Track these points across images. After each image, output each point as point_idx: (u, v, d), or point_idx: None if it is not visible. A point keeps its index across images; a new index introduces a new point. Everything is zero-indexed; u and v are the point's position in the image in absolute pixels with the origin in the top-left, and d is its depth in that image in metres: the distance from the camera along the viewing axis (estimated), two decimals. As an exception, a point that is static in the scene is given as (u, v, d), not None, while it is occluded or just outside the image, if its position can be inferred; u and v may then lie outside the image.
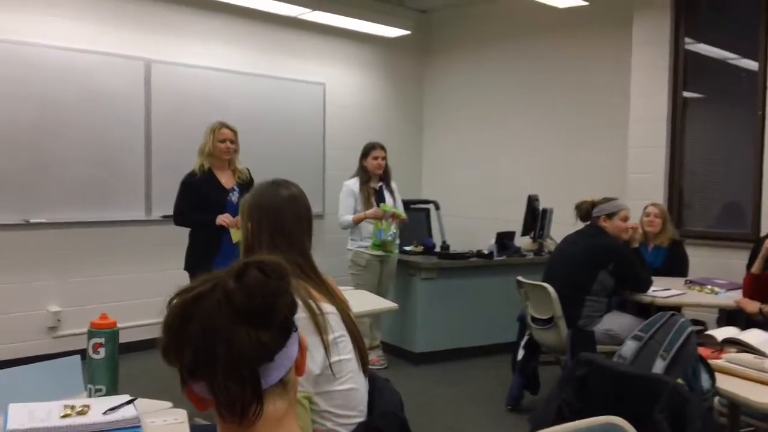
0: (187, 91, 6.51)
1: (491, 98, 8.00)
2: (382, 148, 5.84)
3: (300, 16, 7.01)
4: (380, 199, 5.81)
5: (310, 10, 6.83)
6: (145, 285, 6.17)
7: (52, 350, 5.38)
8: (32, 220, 5.66)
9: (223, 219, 4.70)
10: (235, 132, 4.90)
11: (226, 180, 4.89)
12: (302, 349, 1.11)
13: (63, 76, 5.79)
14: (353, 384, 1.96)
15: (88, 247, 6.01)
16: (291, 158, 7.09)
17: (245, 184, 4.83)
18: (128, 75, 6.17)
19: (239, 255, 4.35)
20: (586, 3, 6.54)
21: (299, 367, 1.12)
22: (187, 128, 6.33)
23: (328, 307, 1.95)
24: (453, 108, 8.48)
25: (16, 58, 5.57)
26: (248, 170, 5.01)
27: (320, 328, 1.88)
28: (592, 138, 7.03)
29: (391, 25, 7.52)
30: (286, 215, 2.11)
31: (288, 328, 1.08)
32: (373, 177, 5.83)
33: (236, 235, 4.62)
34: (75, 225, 5.91)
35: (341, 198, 5.86)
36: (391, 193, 5.92)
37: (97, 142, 5.99)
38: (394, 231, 5.73)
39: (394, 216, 5.68)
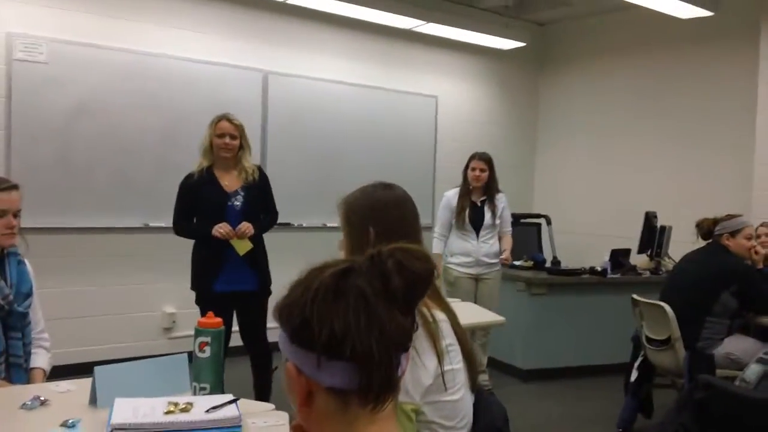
0: (302, 102, 6.64)
1: (608, 112, 7.80)
2: (483, 159, 5.41)
3: (414, 29, 7.03)
4: (477, 215, 5.41)
5: (424, 22, 6.84)
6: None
7: (167, 351, 5.40)
8: (151, 224, 5.87)
9: (219, 229, 4.03)
10: (238, 126, 4.19)
11: (230, 182, 4.20)
12: (407, 356, 1.04)
13: (186, 87, 6.02)
14: (461, 395, 1.88)
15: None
16: (402, 170, 7.03)
17: (253, 186, 4.21)
18: (247, 86, 6.35)
19: (252, 273, 3.98)
20: (710, 13, 6.27)
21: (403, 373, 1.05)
22: (300, 139, 6.47)
23: (439, 315, 1.86)
24: (568, 121, 8.31)
25: (144, 70, 5.83)
26: (258, 168, 4.30)
27: (433, 336, 1.79)
28: (714, 154, 6.73)
29: (505, 37, 7.43)
30: (408, 213, 2.00)
31: (414, 320, 1.03)
32: (475, 190, 5.45)
33: (242, 247, 4.12)
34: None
35: (438, 211, 5.62)
36: (493, 209, 5.45)
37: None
38: None
39: None
